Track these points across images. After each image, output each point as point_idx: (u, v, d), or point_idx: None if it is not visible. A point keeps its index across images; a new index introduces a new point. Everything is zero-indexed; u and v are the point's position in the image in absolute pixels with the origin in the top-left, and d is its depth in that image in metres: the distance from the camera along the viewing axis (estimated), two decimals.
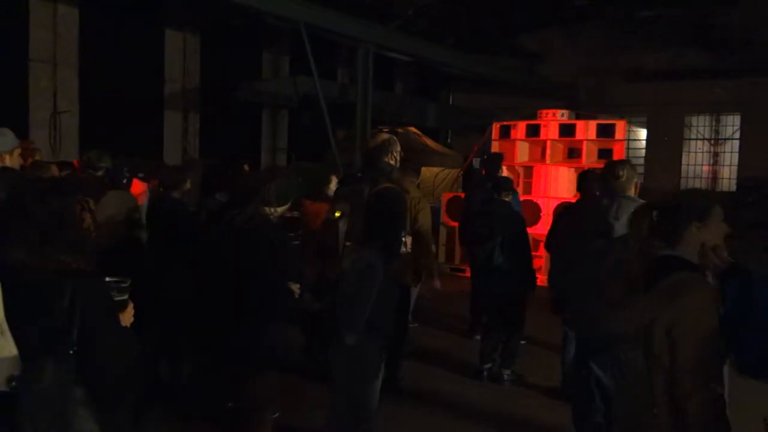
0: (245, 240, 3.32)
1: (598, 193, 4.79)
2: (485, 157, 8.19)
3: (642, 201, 3.53)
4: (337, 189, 3.68)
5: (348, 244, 3.52)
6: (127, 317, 2.40)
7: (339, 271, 3.56)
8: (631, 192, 3.80)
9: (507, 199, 5.98)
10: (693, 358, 2.19)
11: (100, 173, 5.95)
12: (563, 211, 6.15)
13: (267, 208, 3.39)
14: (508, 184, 6.18)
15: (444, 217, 11.63)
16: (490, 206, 5.96)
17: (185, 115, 15.38)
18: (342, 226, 3.49)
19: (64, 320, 2.02)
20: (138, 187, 7.79)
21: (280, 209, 3.44)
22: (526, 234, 6.03)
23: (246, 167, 6.77)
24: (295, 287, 3.48)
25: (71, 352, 2.01)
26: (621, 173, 3.78)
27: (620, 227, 3.56)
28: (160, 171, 6.20)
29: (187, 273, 3.97)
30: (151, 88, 14.67)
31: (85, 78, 13.22)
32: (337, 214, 3.47)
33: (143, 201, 7.19)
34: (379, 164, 3.94)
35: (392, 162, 3.99)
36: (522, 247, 5.83)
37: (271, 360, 3.48)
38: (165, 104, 15.07)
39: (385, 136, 4.20)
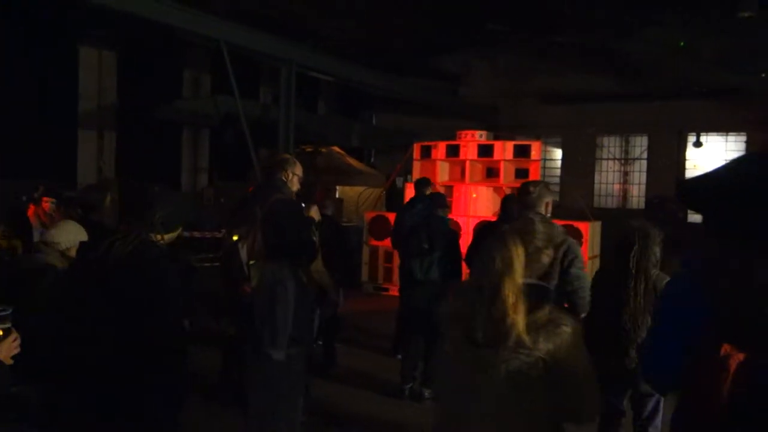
0: (125, 271, 3.10)
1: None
2: (415, 179, 8.31)
3: (549, 220, 3.63)
4: (233, 213, 3.67)
5: (252, 263, 3.50)
6: (6, 347, 2.33)
7: (249, 292, 3.55)
8: (541, 210, 3.85)
9: (443, 215, 6.13)
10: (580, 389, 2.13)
11: None
12: (483, 228, 6.33)
13: (154, 235, 3.15)
14: (443, 201, 6.35)
15: (367, 237, 11.69)
16: (429, 222, 6.07)
17: (101, 134, 14.91)
18: (242, 248, 3.46)
19: None
20: (30, 210, 7.44)
21: (167, 236, 3.22)
22: (459, 249, 6.18)
23: (156, 189, 6.60)
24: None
25: None
26: (532, 189, 3.85)
27: None
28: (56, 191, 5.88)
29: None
30: (64, 106, 14.17)
31: None
32: (235, 238, 3.44)
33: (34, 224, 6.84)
34: (272, 180, 3.95)
35: (285, 179, 3.99)
36: (457, 261, 5.98)
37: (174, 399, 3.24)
38: (79, 123, 14.57)
39: (285, 155, 4.23)
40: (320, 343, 6.74)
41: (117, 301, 2.99)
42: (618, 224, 4.29)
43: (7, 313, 2.37)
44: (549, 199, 3.86)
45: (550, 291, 2.25)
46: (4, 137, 12.41)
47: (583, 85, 18.61)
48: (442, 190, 11.51)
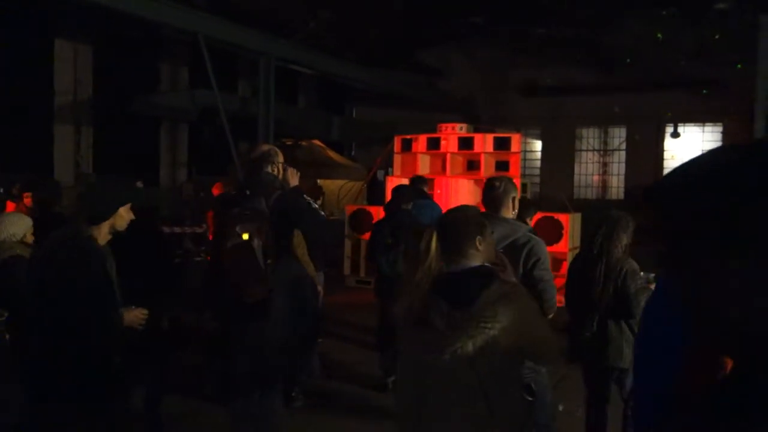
0: (42, 264, 3.12)
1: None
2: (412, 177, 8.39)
3: (513, 220, 3.62)
4: (232, 210, 3.61)
5: (269, 262, 3.46)
6: None
7: (264, 291, 3.49)
8: (508, 206, 3.69)
9: (407, 208, 6.11)
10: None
11: None
12: None
13: (86, 229, 3.13)
14: (408, 194, 6.33)
15: (348, 230, 11.67)
16: (394, 216, 6.07)
17: (77, 128, 14.70)
18: (257, 246, 3.41)
19: None
20: (10, 207, 7.35)
21: (101, 229, 3.17)
22: None
23: (139, 183, 6.52)
24: (138, 312, 3.27)
25: None
26: (498, 184, 3.77)
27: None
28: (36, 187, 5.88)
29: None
30: (39, 100, 13.95)
31: None
32: (245, 236, 3.38)
33: None
34: (262, 175, 3.92)
35: (275, 172, 3.98)
36: None
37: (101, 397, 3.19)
38: (55, 117, 14.36)
39: (266, 146, 4.19)
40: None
41: (39, 292, 3.05)
42: (598, 215, 4.38)
43: (2, 318, 2.37)
44: (514, 194, 3.83)
45: (494, 270, 2.38)
46: None
47: (562, 77, 18.70)
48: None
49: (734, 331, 0.86)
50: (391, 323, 5.98)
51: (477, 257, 2.36)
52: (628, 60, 16.96)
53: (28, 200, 7.16)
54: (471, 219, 2.45)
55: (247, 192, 3.72)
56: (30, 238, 4.18)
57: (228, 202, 4.04)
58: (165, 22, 11.21)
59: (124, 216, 3.23)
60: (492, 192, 3.67)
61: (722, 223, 0.83)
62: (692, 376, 1.00)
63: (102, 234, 3.16)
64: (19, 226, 4.14)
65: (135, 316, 3.22)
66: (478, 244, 2.37)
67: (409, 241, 5.85)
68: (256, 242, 3.38)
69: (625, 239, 3.97)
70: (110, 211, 3.17)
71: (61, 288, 3.00)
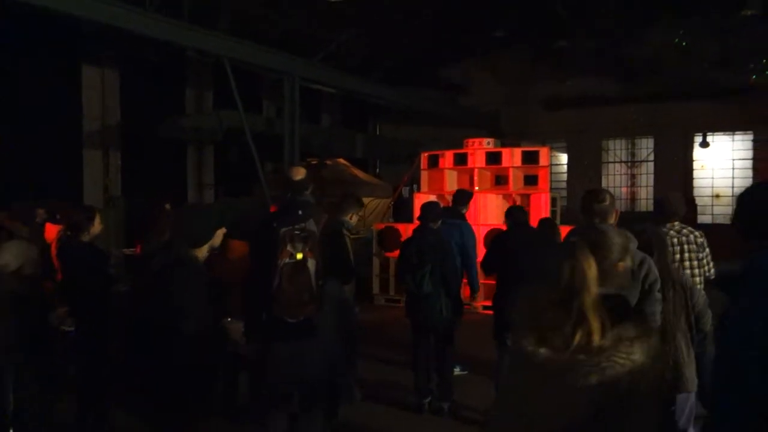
0: (166, 285, 3.18)
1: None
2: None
3: (624, 231, 3.56)
4: (283, 230, 3.58)
5: (320, 282, 3.47)
6: None
7: (315, 309, 3.48)
8: (612, 219, 3.72)
9: (434, 227, 5.98)
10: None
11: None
12: (496, 238, 6.31)
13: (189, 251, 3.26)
14: (435, 211, 6.17)
15: (376, 248, 11.60)
16: (419, 234, 5.93)
17: (106, 152, 14.89)
18: (311, 267, 3.42)
19: None
20: (52, 230, 7.51)
21: (201, 250, 3.28)
22: (455, 261, 6.05)
23: (167, 206, 6.60)
24: (237, 325, 3.33)
25: None
26: (605, 197, 3.77)
27: None
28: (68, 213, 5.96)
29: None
30: (68, 126, 14.15)
31: None
32: (299, 256, 3.40)
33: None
34: (308, 197, 3.95)
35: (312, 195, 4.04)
36: (451, 274, 5.83)
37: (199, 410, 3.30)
38: (84, 142, 14.56)
39: (303, 170, 4.21)
40: None
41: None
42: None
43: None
44: (615, 206, 3.84)
45: (630, 303, 2.17)
46: (11, 159, 12.38)
47: (587, 89, 18.54)
48: (450, 199, 11.42)
49: None
50: (419, 343, 5.90)
51: (612, 283, 2.15)
52: (652, 70, 16.76)
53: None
54: (616, 245, 2.22)
55: (300, 212, 3.69)
56: (29, 270, 3.96)
57: (274, 218, 4.00)
58: (190, 46, 11.33)
59: (219, 236, 3.37)
60: (601, 205, 3.68)
61: None
62: None
63: (202, 253, 3.32)
64: (16, 257, 3.92)
65: (238, 328, 3.32)
66: (620, 267, 2.19)
67: (439, 259, 5.74)
68: (310, 262, 3.40)
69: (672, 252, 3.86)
70: (210, 235, 3.27)
71: (177, 304, 3.09)
